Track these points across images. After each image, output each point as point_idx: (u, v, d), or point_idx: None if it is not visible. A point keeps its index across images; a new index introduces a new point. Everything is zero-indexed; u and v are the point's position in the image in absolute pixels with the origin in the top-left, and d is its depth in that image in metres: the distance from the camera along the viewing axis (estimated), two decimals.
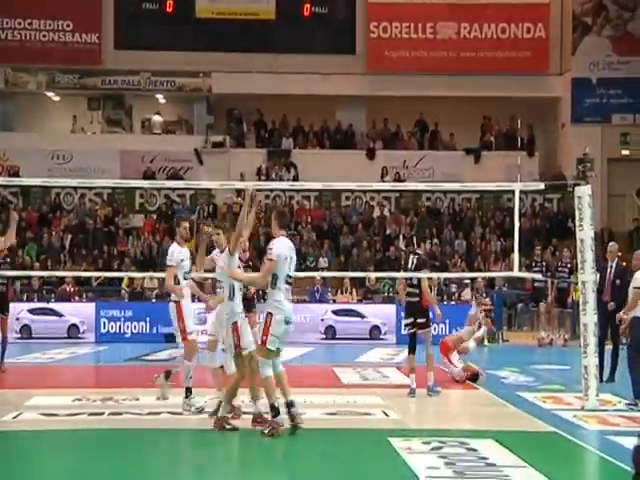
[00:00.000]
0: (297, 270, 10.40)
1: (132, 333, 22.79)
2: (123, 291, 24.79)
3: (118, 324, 22.86)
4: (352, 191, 29.49)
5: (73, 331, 22.77)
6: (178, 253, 11.24)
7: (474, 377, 14.50)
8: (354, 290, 24.77)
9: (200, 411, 11.00)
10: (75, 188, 29.62)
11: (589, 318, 11.89)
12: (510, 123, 31.67)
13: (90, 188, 29.27)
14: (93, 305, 23.42)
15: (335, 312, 23.17)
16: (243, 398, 10.65)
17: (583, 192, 11.98)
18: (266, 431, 9.81)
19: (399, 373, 15.75)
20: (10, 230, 11.41)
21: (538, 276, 20.16)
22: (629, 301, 12.42)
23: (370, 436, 10.10)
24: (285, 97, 30.76)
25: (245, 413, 10.51)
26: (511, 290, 25.10)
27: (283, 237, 10.10)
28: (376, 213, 29.92)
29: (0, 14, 31.47)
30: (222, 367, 10.99)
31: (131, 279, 24.57)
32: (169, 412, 11.18)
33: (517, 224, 12.80)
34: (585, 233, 11.95)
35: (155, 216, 29.81)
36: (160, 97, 32.96)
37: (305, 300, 24.21)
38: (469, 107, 30.76)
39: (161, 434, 10.20)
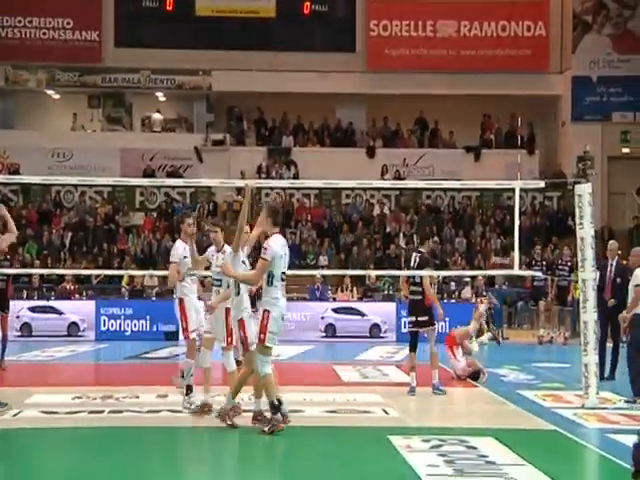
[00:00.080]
0: (297, 268, 10.45)
1: (132, 331, 22.79)
2: (123, 289, 24.79)
3: (118, 322, 22.87)
4: (352, 189, 29.50)
5: (73, 329, 22.77)
6: (182, 250, 11.23)
7: (475, 375, 14.50)
8: (354, 288, 24.78)
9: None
10: (75, 186, 29.63)
11: (589, 316, 11.89)
12: (510, 121, 31.68)
13: (90, 186, 29.28)
14: (93, 303, 23.42)
15: (335, 310, 23.17)
16: (243, 396, 10.65)
17: (583, 190, 11.98)
18: (266, 429, 9.81)
19: (399, 371, 15.75)
20: (9, 225, 11.39)
21: (538, 274, 20.16)
22: (631, 300, 12.41)
23: (370, 434, 10.10)
24: (285, 95, 30.75)
25: (245, 411, 10.50)
26: (511, 288, 25.11)
27: (277, 235, 10.09)
28: (376, 211, 29.93)
29: (0, 12, 31.47)
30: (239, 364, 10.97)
31: (131, 277, 24.57)
32: (169, 410, 11.18)
33: (517, 222, 12.79)
34: (585, 231, 11.94)
35: (155, 214, 29.81)
36: (160, 95, 32.95)
37: (305, 298, 24.24)
38: (469, 105, 30.76)
39: (161, 432, 10.20)
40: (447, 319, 17.38)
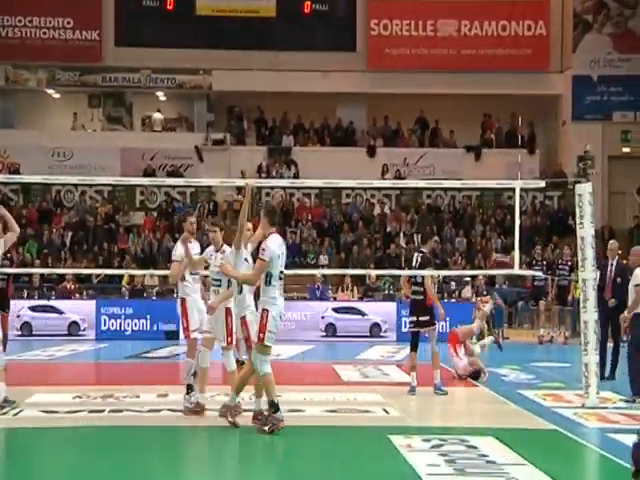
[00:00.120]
0: (298, 267, 10.45)
1: (132, 330, 22.79)
2: (123, 288, 24.79)
3: (118, 321, 22.86)
4: (352, 189, 29.49)
5: (73, 328, 22.77)
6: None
7: (476, 375, 14.50)
8: (355, 288, 24.78)
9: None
10: (75, 185, 29.62)
11: (589, 316, 11.89)
12: (511, 121, 31.68)
13: (90, 185, 29.27)
14: (93, 302, 23.42)
15: (335, 310, 23.17)
16: (244, 395, 10.64)
17: (584, 190, 11.98)
18: (266, 428, 9.82)
19: (399, 371, 15.76)
20: (10, 224, 11.39)
21: (539, 274, 20.15)
22: (632, 300, 12.39)
23: (370, 433, 10.10)
24: (285, 94, 30.74)
25: (246, 410, 10.50)
26: (511, 288, 25.10)
27: (274, 234, 10.10)
28: (376, 211, 29.93)
29: (0, 11, 31.46)
30: (242, 364, 10.96)
31: (131, 276, 24.57)
32: (169, 409, 11.18)
33: (518, 222, 12.79)
34: (585, 231, 11.94)
35: (155, 214, 29.82)
36: (160, 94, 32.95)
37: (306, 298, 24.23)
38: (470, 105, 30.75)
39: (161, 431, 10.20)
40: (447, 319, 17.36)
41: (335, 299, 24.20)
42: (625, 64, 31.07)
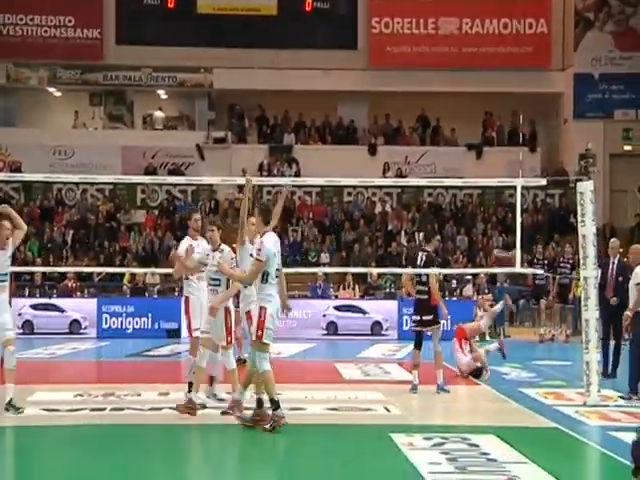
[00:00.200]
0: (299, 266, 10.47)
1: (134, 329, 22.79)
2: (125, 287, 24.80)
3: (120, 320, 22.86)
4: (354, 187, 29.48)
5: (75, 327, 22.77)
6: (189, 246, 11.29)
7: (477, 373, 14.50)
8: (356, 286, 24.77)
9: (203, 407, 10.98)
10: (77, 184, 29.60)
11: (591, 314, 11.89)
12: (512, 119, 31.68)
13: (92, 184, 29.26)
14: (95, 301, 23.42)
15: (337, 308, 23.16)
16: (245, 393, 10.64)
17: (585, 188, 11.97)
18: (267, 426, 9.82)
19: (401, 369, 15.76)
20: (17, 222, 11.42)
21: (540, 272, 20.14)
22: (635, 299, 12.37)
23: (372, 432, 10.10)
24: (287, 93, 30.73)
25: (246, 408, 10.50)
26: (513, 286, 25.09)
27: (269, 233, 10.13)
28: (378, 209, 29.91)
29: (2, 10, 31.46)
30: (244, 362, 10.96)
31: (133, 275, 24.59)
32: (170, 408, 11.17)
33: (519, 220, 12.78)
34: (587, 229, 11.94)
35: (157, 212, 29.82)
36: (161, 93, 32.94)
37: (307, 296, 24.21)
38: (471, 103, 30.73)
39: (163, 430, 10.20)
40: (449, 317, 17.34)
41: (336, 297, 24.19)
42: (627, 62, 31.04)
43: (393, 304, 23.21)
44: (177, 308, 21.55)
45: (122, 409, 11.27)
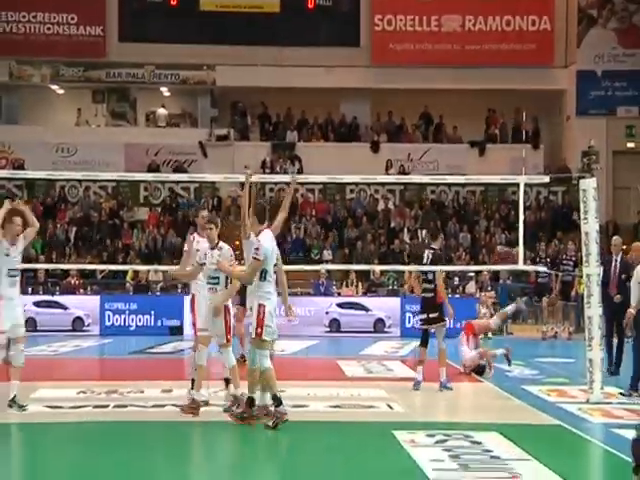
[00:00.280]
0: (302, 263, 10.48)
1: (137, 326, 22.81)
2: (128, 284, 24.83)
3: (123, 317, 22.88)
4: (356, 184, 29.48)
5: (78, 324, 22.81)
6: (196, 243, 11.30)
7: (480, 370, 14.50)
8: (359, 283, 24.76)
9: (206, 404, 10.98)
10: (80, 181, 29.66)
11: (594, 311, 11.88)
12: (515, 116, 31.67)
13: (95, 181, 29.30)
14: (98, 298, 23.46)
15: (340, 305, 23.18)
16: (245, 390, 10.63)
17: (588, 185, 11.96)
18: (270, 423, 9.83)
19: (403, 366, 15.76)
20: (30, 220, 11.45)
21: (543, 269, 20.13)
22: (638, 297, 12.35)
23: (374, 429, 10.10)
24: (289, 90, 30.73)
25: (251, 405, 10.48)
26: (515, 283, 25.09)
27: (265, 231, 10.16)
28: (380, 206, 29.91)
29: (5, 7, 31.50)
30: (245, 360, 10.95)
31: (136, 272, 24.61)
32: (173, 404, 11.18)
33: (522, 217, 12.77)
34: (590, 226, 11.92)
35: (160, 209, 29.84)
36: (164, 90, 32.95)
37: (310, 293, 24.23)
38: (474, 100, 30.72)
39: (165, 427, 10.21)
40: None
41: (339, 294, 24.20)
42: (630, 59, 31.02)
43: (396, 301, 23.22)
44: (180, 305, 21.67)
45: (125, 406, 11.27)
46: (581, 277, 15.65)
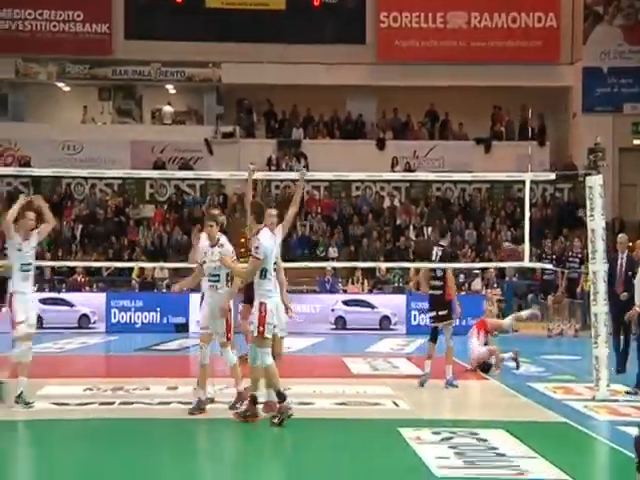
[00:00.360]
0: (307, 260, 10.48)
1: (143, 323, 22.85)
2: (134, 281, 24.84)
3: (129, 314, 22.92)
4: (362, 181, 29.42)
5: (84, 321, 22.84)
6: (202, 241, 11.34)
7: (486, 367, 14.48)
8: (365, 280, 24.76)
9: (211, 401, 10.99)
10: (86, 178, 29.66)
11: (600, 308, 11.87)
12: (521, 113, 31.62)
13: (101, 178, 29.32)
14: (104, 295, 23.49)
15: (345, 302, 23.17)
16: (247, 386, 10.64)
17: (594, 182, 11.95)
18: (275, 420, 9.84)
19: (409, 363, 15.77)
20: (46, 216, 11.50)
21: (549, 266, 20.11)
22: (638, 294, 12.34)
23: (380, 426, 10.11)
24: (295, 87, 30.71)
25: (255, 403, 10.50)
26: (521, 281, 25.06)
27: (264, 229, 10.20)
28: (386, 203, 29.89)
29: (11, 5, 31.52)
30: (245, 359, 10.96)
31: (142, 269, 24.61)
32: (179, 402, 11.21)
33: (528, 214, 12.78)
34: (596, 223, 11.91)
35: (165, 206, 29.86)
36: (170, 87, 32.96)
37: (315, 290, 24.23)
38: (480, 97, 30.66)
39: (171, 424, 10.22)
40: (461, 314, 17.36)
41: (345, 292, 24.19)
42: (636, 56, 30.93)
43: (402, 298, 23.21)
44: (185, 303, 21.70)
45: (131, 403, 11.30)
46: (587, 274, 15.66)
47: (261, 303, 10.01)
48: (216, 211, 11.65)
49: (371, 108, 32.55)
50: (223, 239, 10.75)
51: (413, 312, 22.52)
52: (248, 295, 11.24)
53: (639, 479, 6.64)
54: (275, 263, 10.29)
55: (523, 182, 13.28)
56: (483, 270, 23.93)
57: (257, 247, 9.96)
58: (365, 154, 29.68)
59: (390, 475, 8.07)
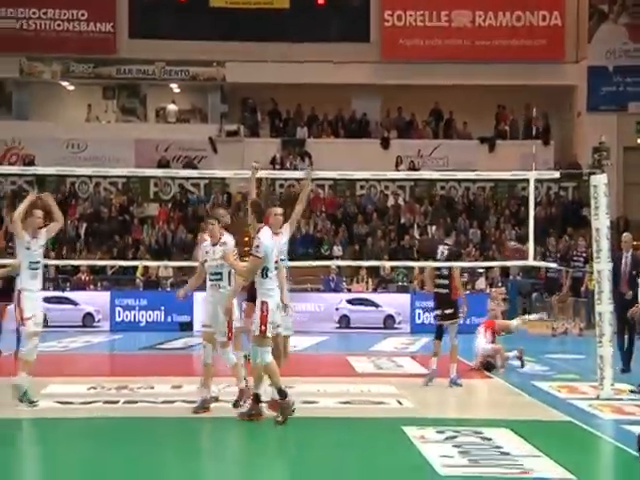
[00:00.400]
0: (311, 258, 10.48)
1: (147, 322, 22.87)
2: (138, 280, 24.87)
3: (133, 313, 22.94)
4: (367, 180, 29.42)
5: (88, 320, 22.87)
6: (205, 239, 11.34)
7: (489, 366, 14.47)
8: (369, 279, 24.75)
9: (215, 400, 10.99)
10: (90, 177, 29.69)
11: (604, 307, 11.85)
12: (525, 112, 31.59)
13: (105, 177, 29.34)
14: (108, 294, 23.51)
15: (349, 301, 23.16)
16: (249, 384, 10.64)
17: (599, 181, 11.93)
18: (280, 418, 9.84)
19: (413, 362, 15.75)
20: (55, 215, 11.51)
21: (554, 265, 20.08)
22: None
23: (384, 425, 10.10)
24: (299, 86, 30.72)
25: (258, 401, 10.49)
26: (526, 279, 25.03)
27: (264, 228, 10.21)
28: (390, 202, 29.89)
29: (15, 4, 31.58)
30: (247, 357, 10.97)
31: (146, 268, 24.64)
32: (184, 400, 11.20)
33: (532, 213, 12.75)
34: (601, 222, 11.89)
35: (170, 205, 29.88)
36: (174, 86, 32.98)
37: (320, 289, 24.22)
38: (484, 96, 30.65)
39: (175, 422, 10.23)
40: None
41: (349, 290, 24.19)
42: None
43: (406, 297, 23.19)
44: (190, 301, 21.71)
45: (135, 402, 11.30)
46: (592, 273, 15.63)
47: (263, 302, 10.01)
48: (222, 211, 11.62)
49: (375, 107, 32.55)
50: (226, 238, 10.72)
51: (417, 311, 22.51)
52: (252, 293, 11.22)
53: None
54: (277, 262, 10.26)
55: (527, 181, 13.23)
56: (487, 269, 23.91)
57: (257, 246, 9.97)
58: (369, 153, 29.69)
59: (394, 474, 8.06)
